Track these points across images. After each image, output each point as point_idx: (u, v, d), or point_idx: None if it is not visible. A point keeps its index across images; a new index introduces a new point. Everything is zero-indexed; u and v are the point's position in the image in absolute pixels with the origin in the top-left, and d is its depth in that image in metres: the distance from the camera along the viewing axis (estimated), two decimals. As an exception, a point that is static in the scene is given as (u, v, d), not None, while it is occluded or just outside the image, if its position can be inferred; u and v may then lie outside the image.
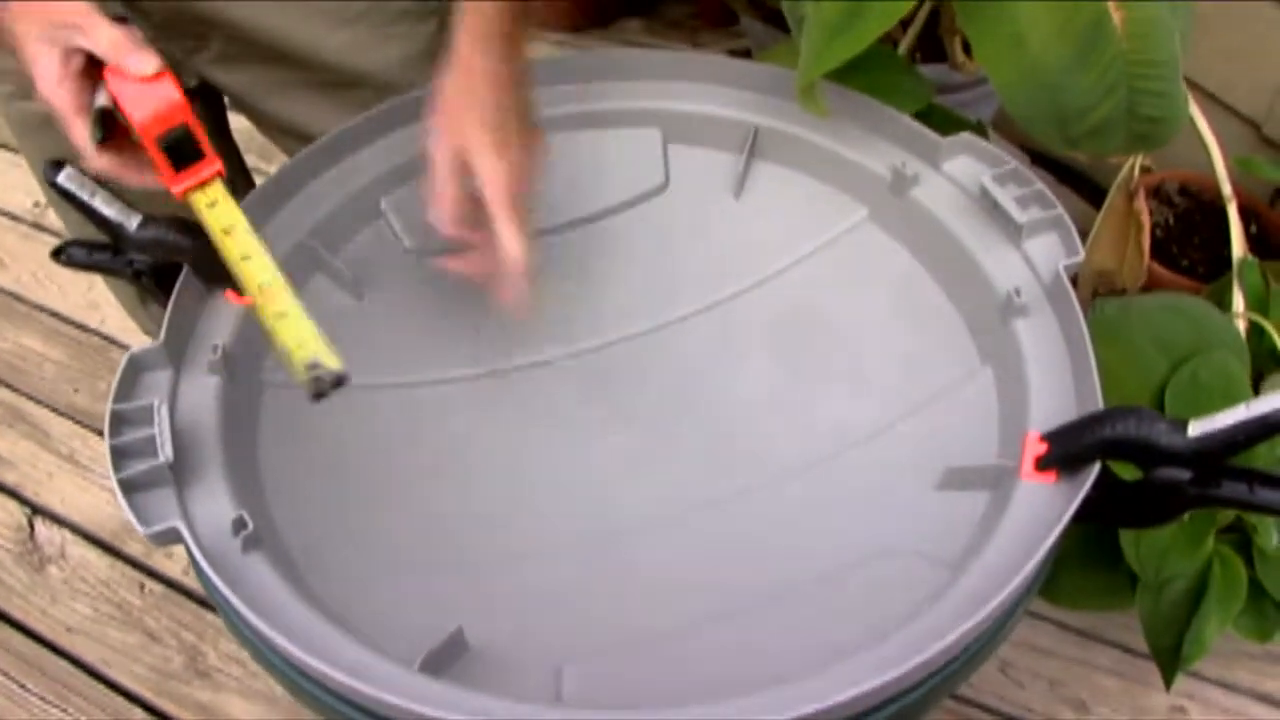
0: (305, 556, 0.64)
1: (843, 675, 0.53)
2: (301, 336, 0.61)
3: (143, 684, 1.26)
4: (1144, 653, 1.20)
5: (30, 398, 1.54)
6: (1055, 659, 1.23)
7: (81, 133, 0.65)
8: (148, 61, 0.62)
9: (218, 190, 0.67)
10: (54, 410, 1.52)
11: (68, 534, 1.40)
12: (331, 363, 0.59)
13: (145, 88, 0.63)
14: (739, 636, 0.62)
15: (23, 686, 1.25)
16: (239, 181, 1.02)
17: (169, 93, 0.63)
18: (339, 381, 0.59)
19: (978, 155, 0.78)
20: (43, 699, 1.25)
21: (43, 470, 1.46)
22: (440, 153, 0.70)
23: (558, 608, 0.64)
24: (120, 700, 1.25)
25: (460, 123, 0.69)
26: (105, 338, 1.60)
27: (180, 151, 0.65)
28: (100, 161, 0.66)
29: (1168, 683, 0.92)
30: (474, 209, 0.69)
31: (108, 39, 0.62)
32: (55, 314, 1.64)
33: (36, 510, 1.42)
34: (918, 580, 0.61)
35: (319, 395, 0.59)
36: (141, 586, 1.34)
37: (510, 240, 0.68)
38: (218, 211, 0.67)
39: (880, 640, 0.55)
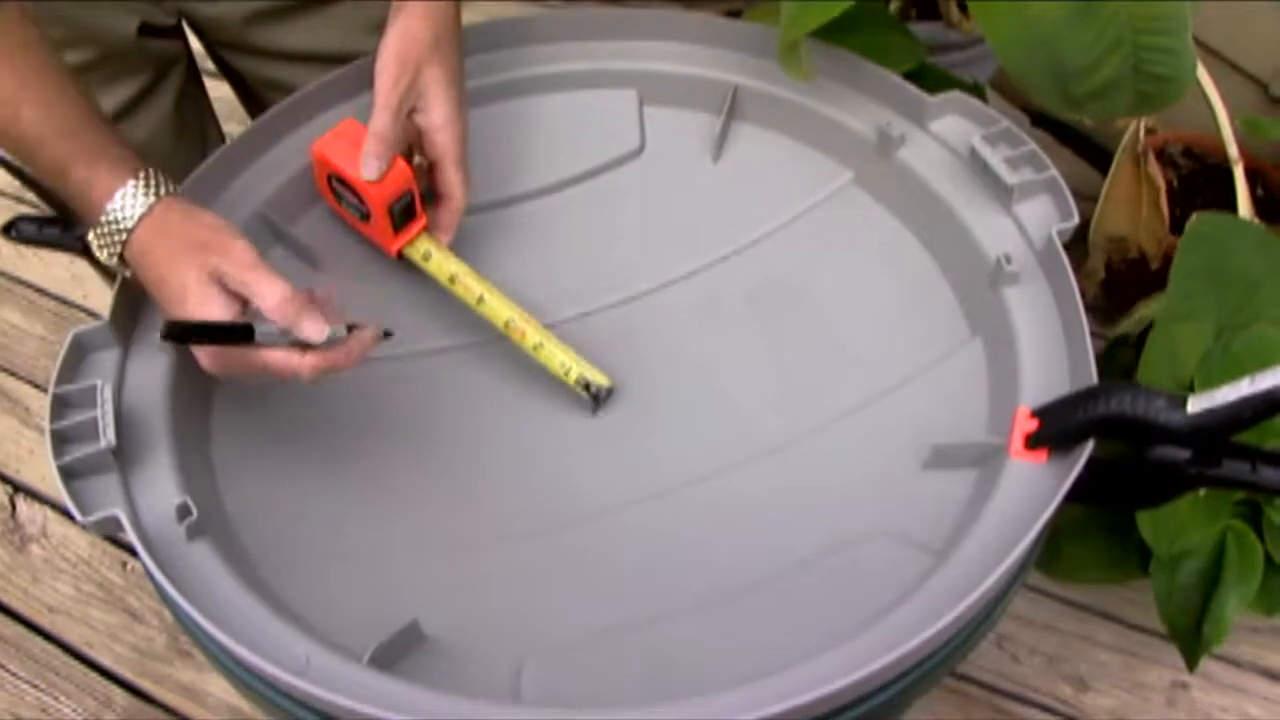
0: (256, 543, 0.62)
1: (821, 670, 0.50)
2: (565, 362, 0.69)
3: (124, 664, 1.24)
4: (1144, 627, 1.19)
5: (11, 373, 1.51)
6: (1054, 633, 1.20)
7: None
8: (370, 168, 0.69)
9: (426, 242, 0.73)
10: (35, 386, 1.50)
11: (49, 512, 1.38)
12: (599, 379, 0.69)
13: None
14: (712, 628, 0.59)
15: (3, 668, 1.24)
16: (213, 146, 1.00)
17: (400, 167, 0.70)
18: (610, 392, 0.69)
19: (968, 114, 0.75)
20: (24, 680, 1.23)
21: (24, 447, 1.44)
22: (397, 93, 0.69)
23: (519, 598, 0.61)
24: (102, 681, 1.23)
25: (425, 66, 0.69)
26: (88, 312, 1.57)
27: (404, 214, 0.72)
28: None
29: (1190, 665, 0.89)
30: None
31: None
32: (37, 288, 1.61)
33: (18, 488, 1.40)
34: (902, 566, 0.58)
35: (597, 407, 0.69)
36: (124, 565, 1.32)
37: (459, 193, 0.72)
38: (435, 263, 0.73)
39: (860, 633, 0.52)
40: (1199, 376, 0.86)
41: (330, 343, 0.60)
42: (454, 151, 0.71)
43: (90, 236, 0.63)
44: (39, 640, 1.26)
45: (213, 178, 0.73)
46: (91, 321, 0.65)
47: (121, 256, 0.63)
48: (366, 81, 0.79)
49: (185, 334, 0.59)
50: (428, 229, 0.74)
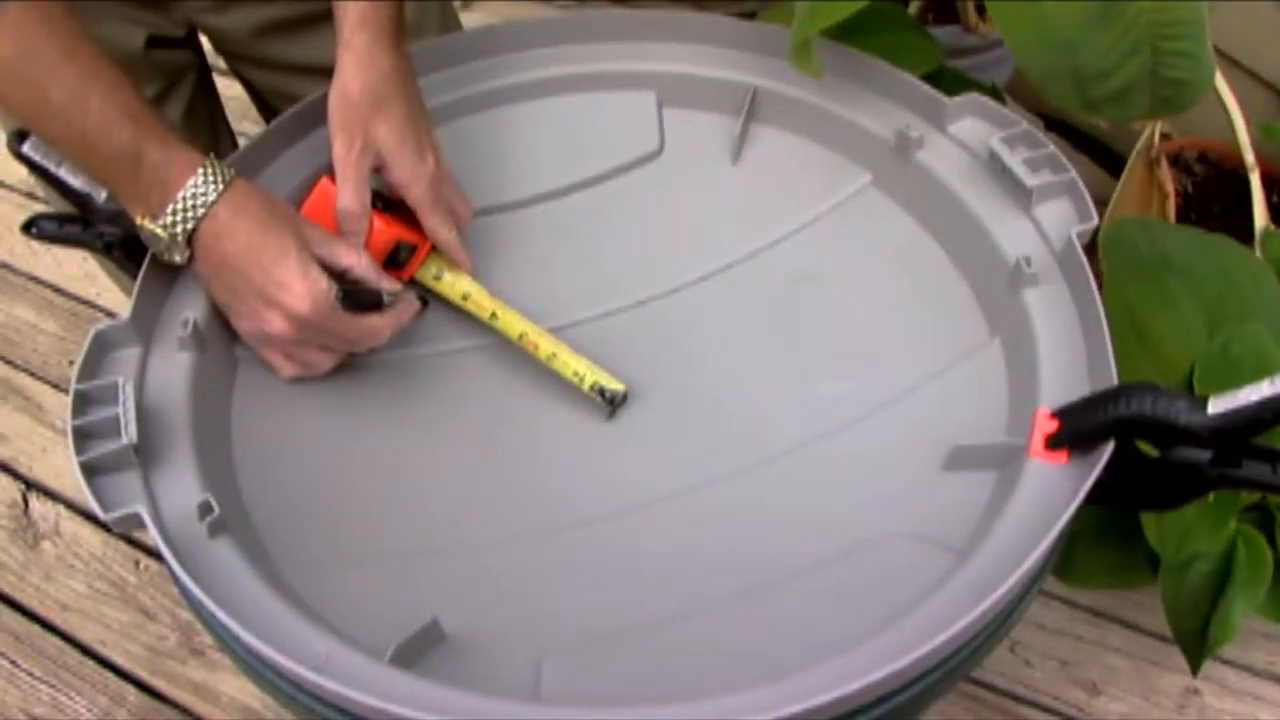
0: (277, 541, 0.62)
1: (840, 670, 0.50)
2: (579, 370, 0.70)
3: (137, 663, 1.24)
4: (1156, 633, 1.18)
5: (24, 370, 1.52)
6: (1066, 638, 1.20)
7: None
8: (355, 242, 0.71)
9: (437, 261, 0.75)
10: (48, 383, 1.50)
11: (62, 509, 1.38)
12: (613, 385, 0.69)
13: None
14: (732, 627, 0.59)
15: (16, 665, 1.24)
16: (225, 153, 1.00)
17: (377, 227, 0.71)
18: (625, 397, 0.69)
19: (986, 116, 0.75)
20: (37, 678, 1.23)
21: (36, 445, 1.44)
22: (351, 161, 0.69)
23: (539, 596, 0.61)
24: (115, 679, 1.23)
25: (371, 126, 0.69)
26: (101, 309, 1.58)
27: (402, 256, 0.73)
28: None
29: (1194, 668, 0.89)
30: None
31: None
32: (50, 285, 1.62)
33: (30, 486, 1.40)
34: (921, 566, 0.58)
35: (613, 412, 0.70)
36: (136, 563, 1.32)
37: (444, 236, 0.72)
38: (446, 283, 0.74)
39: (880, 632, 0.52)
40: (1199, 377, 0.86)
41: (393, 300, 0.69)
42: (425, 201, 0.72)
43: (148, 221, 0.64)
44: (52, 638, 1.26)
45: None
46: (108, 319, 0.65)
47: (189, 236, 0.65)
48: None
49: (351, 300, 0.66)
50: (437, 253, 0.74)
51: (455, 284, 0.74)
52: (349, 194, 0.70)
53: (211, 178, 0.64)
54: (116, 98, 0.62)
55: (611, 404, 0.69)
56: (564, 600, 0.61)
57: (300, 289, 0.64)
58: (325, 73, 0.71)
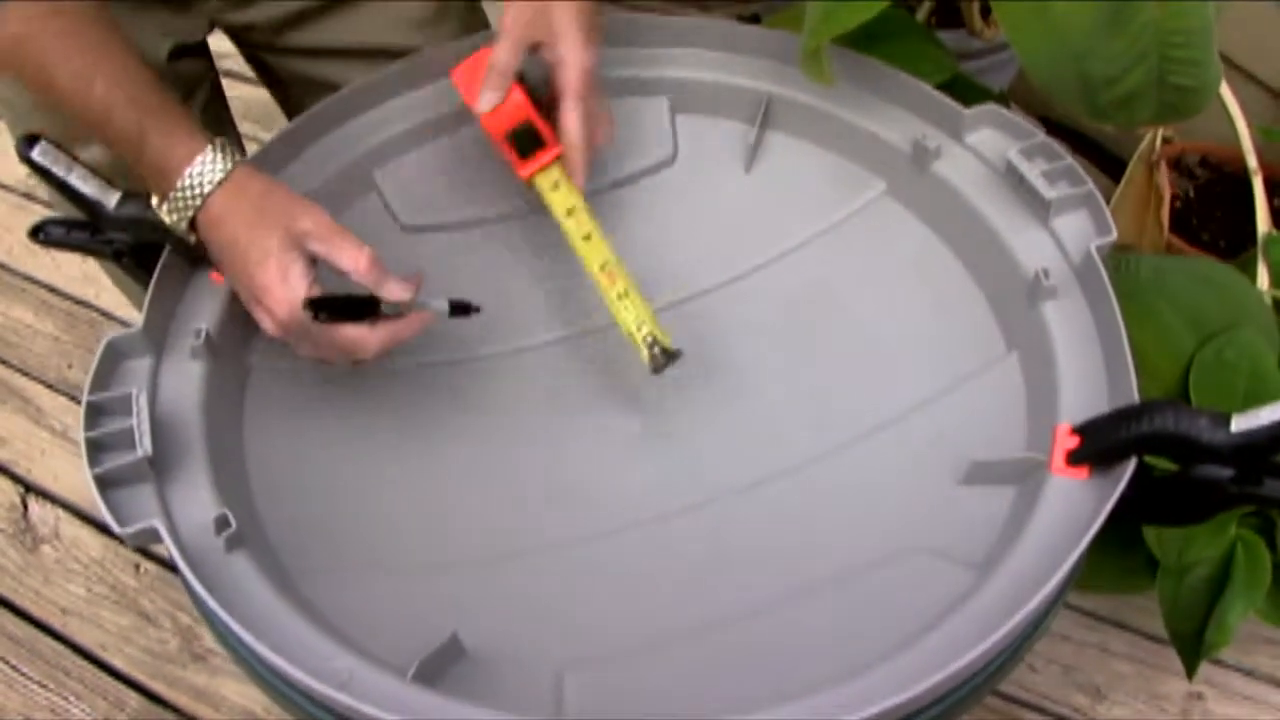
0: (294, 555, 0.61)
1: (868, 687, 0.50)
2: (641, 317, 0.68)
3: (137, 667, 1.23)
4: (1159, 637, 1.18)
5: (22, 372, 1.51)
6: (1069, 643, 1.20)
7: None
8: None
9: (558, 172, 0.72)
10: (46, 385, 1.49)
11: (61, 513, 1.37)
12: (667, 342, 0.68)
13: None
14: (751, 642, 0.58)
15: (15, 669, 1.23)
16: None
17: (515, 97, 0.69)
18: (674, 358, 0.68)
19: (1003, 127, 0.75)
20: (36, 683, 1.22)
21: (35, 447, 1.43)
22: (521, 23, 0.68)
23: (560, 610, 0.61)
24: (114, 683, 1.22)
25: (548, 10, 0.68)
26: (100, 311, 1.56)
27: (525, 141, 0.71)
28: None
29: (1190, 671, 0.89)
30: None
31: None
32: (48, 286, 1.60)
33: (29, 489, 1.39)
34: (941, 582, 0.58)
35: (657, 370, 0.67)
36: (137, 567, 1.32)
37: (575, 135, 0.69)
38: (561, 193, 0.72)
39: (901, 651, 0.52)
40: (1195, 383, 0.86)
41: (395, 311, 0.64)
42: (573, 87, 0.69)
43: (158, 204, 0.65)
44: (51, 641, 1.25)
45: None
46: (107, 321, 0.65)
47: (192, 223, 0.64)
48: (397, 87, 0.80)
49: (326, 306, 0.61)
50: (558, 164, 0.72)
51: (568, 197, 0.71)
52: (503, 51, 0.68)
53: (211, 165, 0.63)
54: (126, 79, 0.62)
55: (656, 358, 0.67)
56: (583, 612, 0.61)
57: (279, 294, 0.63)
58: (353, 54, 0.70)
